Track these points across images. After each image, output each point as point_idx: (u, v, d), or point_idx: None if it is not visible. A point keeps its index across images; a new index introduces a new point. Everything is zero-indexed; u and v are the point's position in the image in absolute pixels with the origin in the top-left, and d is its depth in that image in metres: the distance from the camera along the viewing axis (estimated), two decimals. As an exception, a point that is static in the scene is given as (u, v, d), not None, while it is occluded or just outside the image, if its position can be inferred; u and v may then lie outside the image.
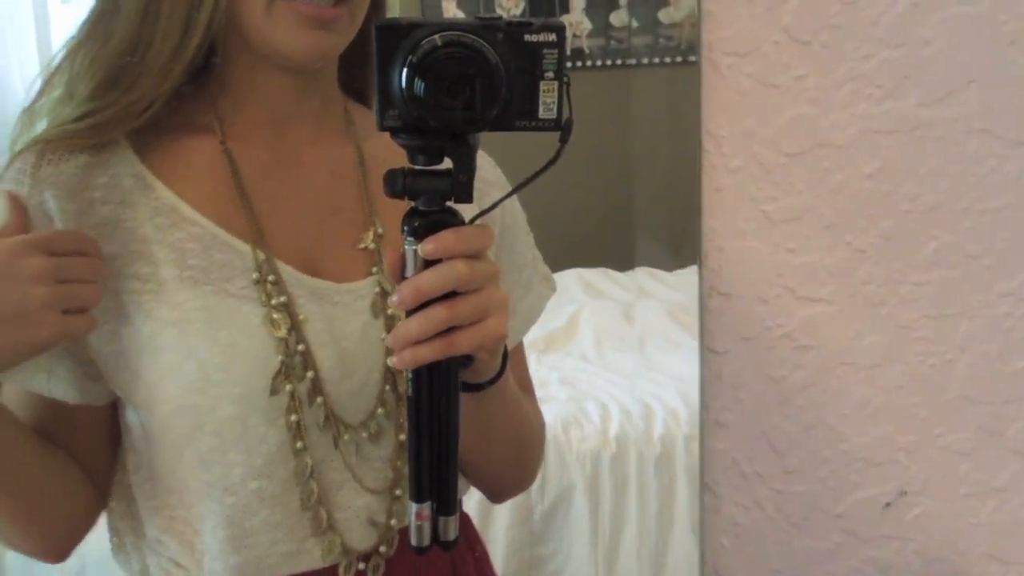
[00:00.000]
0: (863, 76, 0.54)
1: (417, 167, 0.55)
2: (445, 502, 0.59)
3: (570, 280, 2.99)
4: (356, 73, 0.81)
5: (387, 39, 0.52)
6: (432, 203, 0.55)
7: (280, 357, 0.70)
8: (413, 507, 0.58)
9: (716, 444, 0.59)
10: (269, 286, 0.71)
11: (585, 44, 2.90)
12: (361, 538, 0.73)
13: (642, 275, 3.16)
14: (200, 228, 0.71)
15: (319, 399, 0.71)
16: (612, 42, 2.84)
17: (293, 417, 0.70)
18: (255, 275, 0.71)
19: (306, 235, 0.75)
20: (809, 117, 0.55)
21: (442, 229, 0.55)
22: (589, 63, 2.92)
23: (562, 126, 0.54)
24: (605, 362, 2.57)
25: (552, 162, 0.56)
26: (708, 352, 0.58)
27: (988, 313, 0.57)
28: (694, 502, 2.27)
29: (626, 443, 2.17)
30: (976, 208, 0.55)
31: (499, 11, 2.91)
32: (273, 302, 0.71)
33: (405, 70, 0.51)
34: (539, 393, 0.90)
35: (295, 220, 0.75)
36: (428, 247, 0.55)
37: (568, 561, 2.16)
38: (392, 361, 0.61)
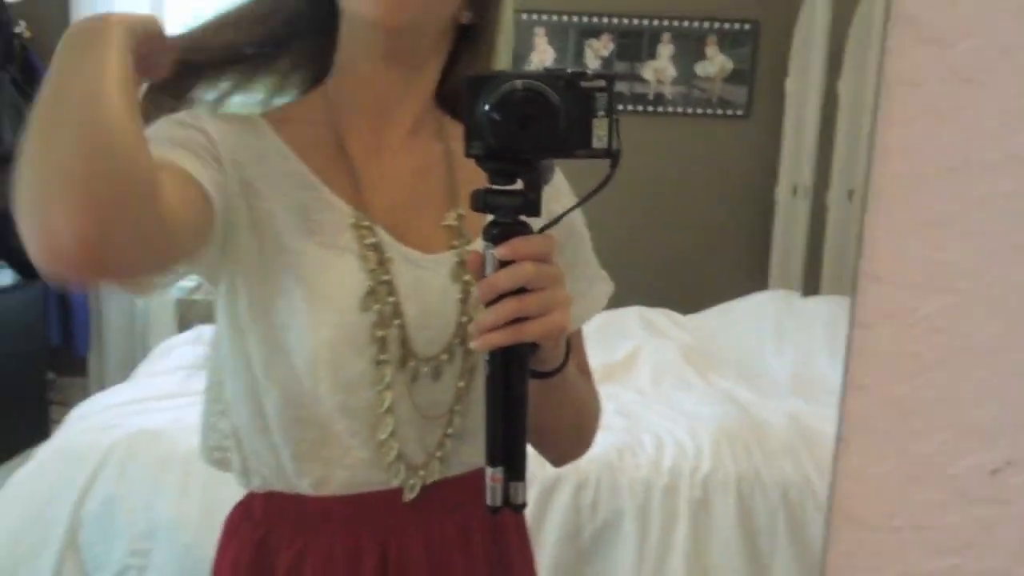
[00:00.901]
0: (1012, 111, 0.66)
1: (495, 187, 0.69)
2: (515, 468, 0.72)
3: (631, 318, 3.11)
4: (449, 90, 1.00)
5: (476, 85, 0.67)
6: (507, 216, 0.70)
7: (368, 282, 0.88)
8: (488, 471, 0.71)
9: (854, 405, 0.70)
10: (363, 230, 0.89)
11: (667, 91, 3.06)
12: (414, 456, 0.90)
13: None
14: (320, 193, 0.90)
15: (397, 321, 0.89)
16: (695, 91, 2.99)
17: (379, 332, 0.86)
18: (352, 220, 0.89)
19: (400, 209, 0.94)
20: (963, 140, 0.67)
21: (514, 237, 0.69)
22: (671, 109, 3.09)
23: (611, 154, 0.68)
24: (661, 396, 2.68)
25: (604, 183, 0.71)
26: (858, 327, 0.69)
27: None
28: (734, 537, 2.37)
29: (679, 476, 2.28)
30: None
31: (588, 51, 3.10)
32: (366, 242, 0.89)
33: (488, 107, 0.65)
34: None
35: (392, 196, 0.94)
36: (501, 251, 0.71)
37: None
38: (472, 345, 0.76)
